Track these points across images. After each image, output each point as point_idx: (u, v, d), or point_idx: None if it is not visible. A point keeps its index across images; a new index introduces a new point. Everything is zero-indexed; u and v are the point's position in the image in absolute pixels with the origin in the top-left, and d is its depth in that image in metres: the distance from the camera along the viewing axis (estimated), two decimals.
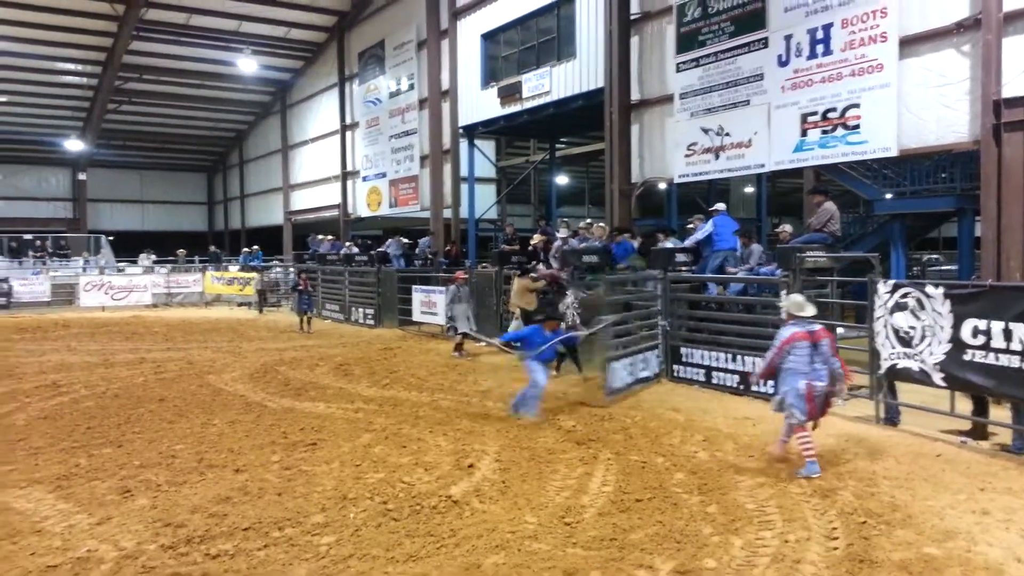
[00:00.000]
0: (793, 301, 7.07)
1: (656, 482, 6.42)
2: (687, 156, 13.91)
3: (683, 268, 11.84)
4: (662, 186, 15.74)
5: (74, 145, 32.58)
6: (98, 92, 29.68)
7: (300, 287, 18.80)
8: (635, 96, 15.22)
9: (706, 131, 13.51)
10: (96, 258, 31.31)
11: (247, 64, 27.98)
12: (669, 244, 12.41)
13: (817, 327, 6.81)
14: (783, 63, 12.24)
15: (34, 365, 13.02)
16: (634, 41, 15.15)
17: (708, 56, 13.44)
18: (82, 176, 35.24)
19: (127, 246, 32.79)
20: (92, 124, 31.63)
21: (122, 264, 30.02)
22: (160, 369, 12.58)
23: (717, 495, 6.11)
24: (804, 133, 11.97)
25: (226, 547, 5.06)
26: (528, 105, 18.02)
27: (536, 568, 4.75)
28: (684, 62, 13.89)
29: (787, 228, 11.85)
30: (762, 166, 12.93)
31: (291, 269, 26.15)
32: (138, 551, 4.99)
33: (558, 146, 22.58)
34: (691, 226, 12.69)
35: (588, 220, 15.77)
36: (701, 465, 6.94)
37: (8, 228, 33.23)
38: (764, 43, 12.52)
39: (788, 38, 12.13)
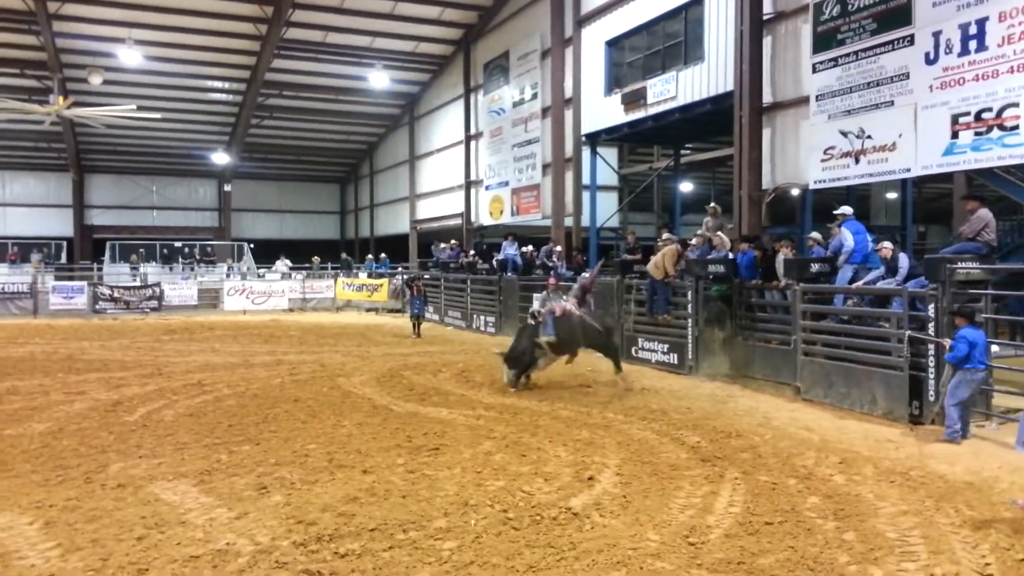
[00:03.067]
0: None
1: (788, 505, 6.09)
2: (824, 161, 13.23)
3: (819, 279, 11.26)
4: (795, 192, 15.06)
5: (220, 158, 34.91)
6: (242, 108, 31.68)
7: (413, 293, 19.40)
8: (767, 99, 14.66)
9: (845, 134, 12.81)
10: (239, 264, 33.41)
11: (378, 78, 29.06)
12: (781, 255, 11.81)
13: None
14: (931, 61, 11.43)
15: (181, 365, 13.97)
16: (766, 42, 14.61)
17: (848, 55, 12.75)
18: (227, 187, 37.68)
19: (266, 253, 34.80)
20: (237, 138, 33.78)
21: (261, 270, 31.87)
22: (295, 371, 13.20)
23: (855, 522, 5.73)
24: (955, 135, 11.12)
25: (353, 547, 5.20)
26: (653, 111, 17.73)
27: None
28: (821, 62, 13.24)
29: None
30: (908, 171, 12.11)
31: (400, 278, 26.90)
32: (272, 546, 5.21)
33: (683, 152, 22.09)
34: (830, 235, 12.00)
35: (708, 218, 15.17)
36: (837, 489, 6.54)
37: (161, 236, 36.03)
38: (910, 40, 11.74)
39: (937, 34, 11.32)
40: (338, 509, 5.94)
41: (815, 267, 11.32)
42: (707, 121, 17.17)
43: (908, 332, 9.15)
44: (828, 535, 5.46)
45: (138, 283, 27.62)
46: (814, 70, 13.42)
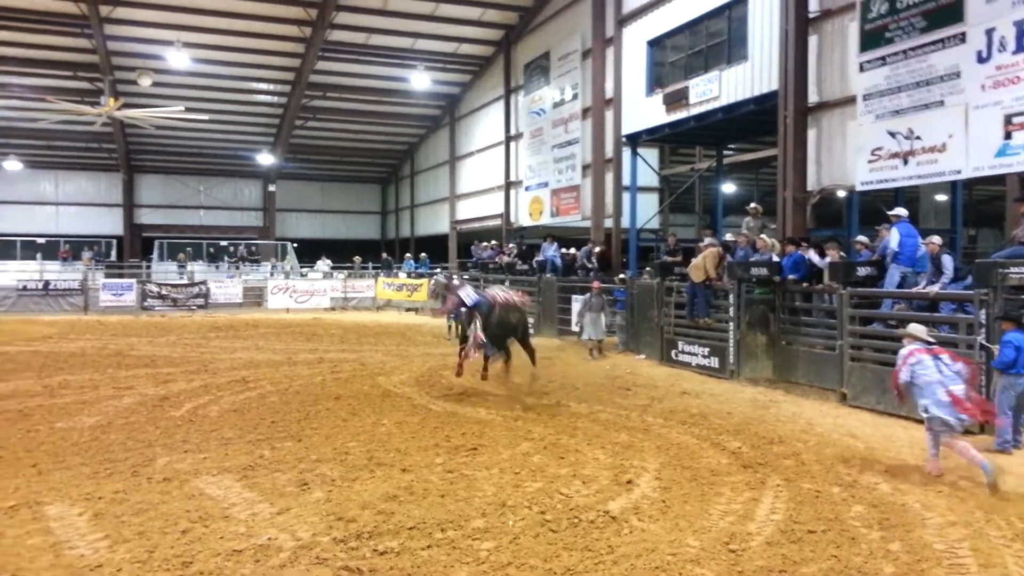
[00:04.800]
0: (912, 331, 7.66)
1: (831, 513, 5.98)
2: (871, 162, 12.95)
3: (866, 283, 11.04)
4: (841, 194, 14.77)
5: (265, 159, 35.48)
6: (287, 110, 32.15)
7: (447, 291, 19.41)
8: (812, 98, 14.41)
9: (893, 135, 12.52)
10: (282, 264, 33.94)
11: (420, 80, 29.26)
12: (814, 258, 11.58)
13: (934, 345, 7.49)
14: (983, 59, 11.11)
15: (226, 361, 14.24)
16: (812, 41, 14.36)
17: (896, 54, 12.47)
18: (272, 188, 38.26)
19: (308, 253, 35.26)
20: (281, 139, 34.30)
21: (304, 269, 32.32)
22: (336, 369, 13.36)
23: (901, 532, 5.61)
24: (1008, 136, 10.78)
25: (392, 544, 5.25)
26: (695, 111, 17.54)
27: None
28: (868, 61, 12.97)
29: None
30: (958, 172, 11.79)
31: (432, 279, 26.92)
32: (313, 542, 5.28)
33: (726, 153, 21.81)
34: (878, 237, 11.74)
35: (748, 219, 14.98)
36: (883, 498, 6.40)
37: (207, 235, 36.73)
38: (961, 38, 11.43)
39: (990, 32, 11.00)
40: (377, 507, 5.99)
41: (862, 270, 11.09)
42: (750, 121, 16.94)
43: (980, 340, 8.86)
44: (873, 545, 5.35)
45: (185, 281, 28.22)
46: (861, 69, 13.15)
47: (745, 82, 16.05)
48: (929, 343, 7.52)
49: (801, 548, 5.28)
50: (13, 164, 34.67)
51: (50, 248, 33.61)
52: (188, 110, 26.48)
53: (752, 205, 15.40)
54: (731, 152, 22.34)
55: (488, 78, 30.11)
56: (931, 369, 7.09)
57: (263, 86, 31.26)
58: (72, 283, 26.44)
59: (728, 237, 14.43)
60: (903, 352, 7.40)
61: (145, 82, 27.51)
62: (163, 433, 8.52)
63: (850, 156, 13.63)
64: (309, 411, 9.70)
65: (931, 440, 7.15)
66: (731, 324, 12.80)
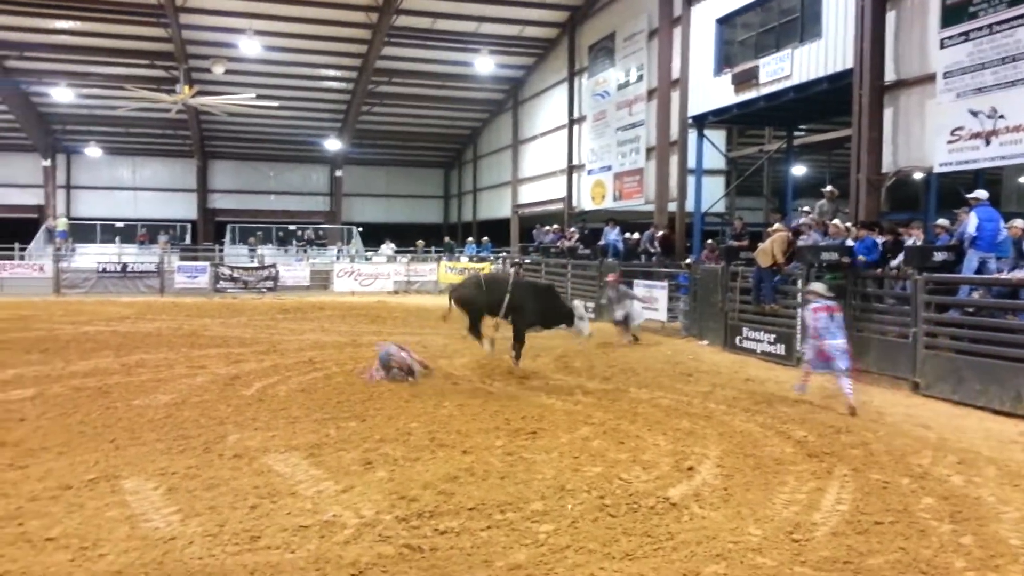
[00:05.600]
0: (817, 290, 9.56)
1: (900, 505, 5.80)
2: (950, 142, 12.40)
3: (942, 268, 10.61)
4: (918, 176, 14.20)
5: (332, 145, 36.11)
6: (354, 96, 32.62)
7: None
8: (889, 77, 13.85)
9: (975, 114, 11.94)
10: (348, 247, 34.58)
11: (484, 63, 29.27)
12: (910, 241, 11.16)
13: (833, 303, 9.37)
14: None
15: (294, 343, 14.61)
16: (890, 17, 13.78)
17: (980, 29, 11.87)
18: (339, 173, 38.95)
19: (372, 237, 35.84)
20: (348, 125, 34.85)
21: (368, 253, 32.86)
22: None
23: (973, 525, 5.40)
24: None
25: (452, 524, 5.31)
26: (765, 91, 17.05)
27: None
28: (950, 37, 12.39)
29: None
30: None
31: (502, 261, 27.04)
32: (376, 520, 5.39)
33: (796, 134, 21.19)
34: (957, 221, 11.25)
35: (823, 202, 14.57)
36: (955, 490, 6.17)
37: (277, 220, 37.68)
38: None
39: None
40: (438, 487, 6.07)
41: (939, 255, 10.66)
42: (823, 101, 16.38)
43: None
44: (943, 538, 5.17)
45: (256, 264, 29.03)
46: (942, 45, 12.57)
47: (818, 60, 15.52)
48: (829, 301, 9.35)
49: (868, 539, 5.14)
50: (94, 150, 36.17)
51: (128, 232, 35.04)
52: (259, 97, 27.09)
53: (828, 188, 14.95)
54: (802, 133, 21.69)
55: (552, 61, 29.92)
56: (824, 322, 9.09)
57: (331, 72, 31.79)
58: (149, 265, 27.50)
59: (802, 220, 13.98)
60: (810, 307, 9.30)
61: (218, 70, 28.25)
62: (234, 411, 8.80)
63: (928, 136, 13.07)
64: (372, 392, 9.87)
65: (803, 373, 9.62)
66: (799, 310, 12.47)
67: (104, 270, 26.70)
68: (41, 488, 5.99)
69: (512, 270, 20.95)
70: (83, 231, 33.83)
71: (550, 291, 12.61)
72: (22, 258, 28.04)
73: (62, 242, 30.63)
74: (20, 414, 8.50)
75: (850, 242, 12.22)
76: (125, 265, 27.24)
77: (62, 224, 32.00)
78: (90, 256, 29.54)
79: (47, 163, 35.00)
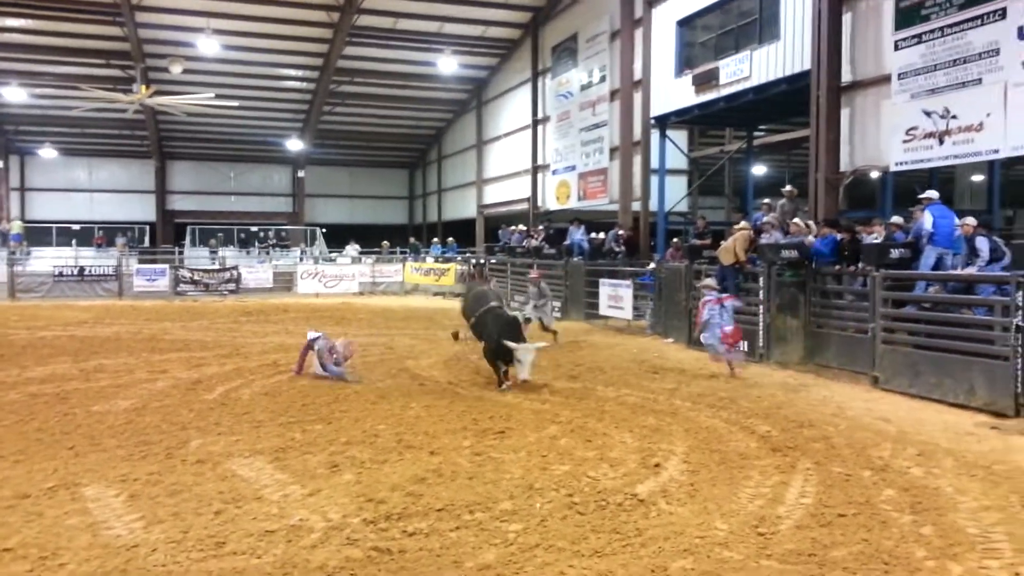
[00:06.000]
0: (707, 283, 11.95)
1: (862, 497, 5.92)
2: (906, 142, 12.71)
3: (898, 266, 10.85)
4: (875, 175, 14.52)
5: (294, 145, 35.74)
6: (315, 95, 32.33)
7: (474, 278, 19.52)
8: (846, 78, 14.14)
9: (928, 114, 12.26)
10: (311, 249, 34.25)
11: (447, 64, 29.23)
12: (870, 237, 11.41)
13: (723, 295, 11.52)
14: None
15: (258, 345, 14.43)
16: (846, 19, 14.07)
17: (932, 31, 12.18)
18: (301, 173, 38.59)
19: (336, 238, 35.56)
20: (310, 125, 34.52)
21: (333, 254, 32.58)
22: (365, 353, 13.43)
23: (933, 515, 5.52)
24: None
25: (421, 526, 5.29)
26: (725, 92, 17.31)
27: None
28: (904, 39, 12.69)
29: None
30: (996, 152, 11.53)
31: (460, 264, 26.98)
32: (343, 523, 5.34)
33: (756, 134, 21.53)
34: (913, 219, 11.50)
35: (783, 201, 14.79)
36: (915, 482, 6.31)
37: (238, 221, 37.17)
38: (1001, 14, 11.13)
39: None
40: (406, 489, 6.04)
41: (895, 252, 10.90)
42: (782, 102, 16.68)
43: (1016, 322, 8.68)
44: (904, 529, 5.29)
45: (217, 266, 28.59)
46: (896, 47, 12.88)
47: (777, 61, 15.80)
48: (720, 293, 11.50)
49: (831, 532, 5.23)
50: (48, 152, 35.34)
51: (85, 234, 34.29)
52: (218, 96, 26.74)
53: (787, 187, 15.19)
54: (762, 133, 22.05)
55: (515, 61, 29.99)
56: (716, 313, 11.03)
57: (292, 72, 31.49)
58: (107, 269, 26.91)
59: (764, 218, 14.18)
60: (703, 299, 11.43)
61: (176, 69, 27.81)
62: (196, 416, 8.66)
63: (884, 136, 13.39)
64: (338, 394, 9.79)
65: (712, 355, 11.38)
66: (761, 307, 12.68)
67: (60, 274, 26.10)
68: None
69: (474, 272, 20.86)
70: (38, 234, 33.01)
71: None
72: None
73: (16, 245, 29.85)
74: None
75: (811, 239, 12.43)
76: (82, 268, 26.63)
77: (16, 227, 31.21)
78: (46, 260, 28.80)
79: (0, 165, 34.06)
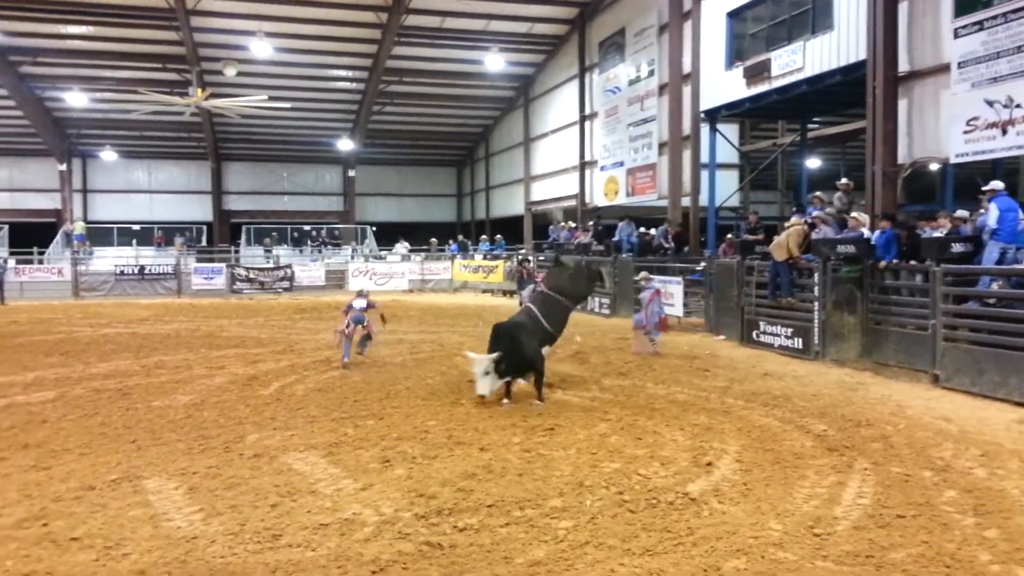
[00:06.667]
0: (645, 276, 14.30)
1: (922, 498, 5.76)
2: (966, 132, 12.28)
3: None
4: (934, 167, 14.08)
5: (345, 145, 36.22)
6: (365, 95, 32.69)
7: (523, 276, 19.49)
8: (903, 67, 13.73)
9: (991, 103, 11.82)
10: (362, 247, 34.69)
11: (494, 61, 29.26)
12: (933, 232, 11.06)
13: (658, 287, 14.17)
14: None
15: (311, 342, 14.68)
16: (902, 7, 13.65)
17: (995, 18, 11.74)
18: (351, 173, 39.05)
19: (386, 236, 35.95)
20: (360, 125, 34.92)
21: (383, 252, 32.95)
22: (415, 350, 13.60)
23: (998, 518, 5.36)
24: None
25: (471, 521, 5.33)
26: (777, 84, 16.95)
27: None
28: (964, 26, 12.27)
29: None
30: None
31: (514, 259, 27.02)
32: (395, 518, 5.41)
33: (810, 126, 21.06)
34: (980, 212, 11.11)
35: (839, 195, 14.45)
36: (978, 483, 6.12)
37: (291, 220, 37.85)
38: None
39: None
40: (457, 484, 6.09)
41: (957, 246, 10.56)
42: (836, 93, 16.26)
43: None
44: (967, 531, 5.14)
45: (271, 265, 29.19)
46: (956, 35, 12.45)
47: (831, 52, 15.41)
48: (657, 286, 14.26)
49: (890, 533, 5.11)
50: (109, 154, 36.47)
51: (144, 234, 35.32)
52: (271, 98, 27.27)
53: (843, 181, 14.83)
54: (816, 126, 21.57)
55: (562, 57, 29.87)
56: (656, 303, 13.27)
57: (342, 73, 31.88)
58: (166, 267, 27.72)
59: (815, 212, 13.87)
60: (646, 291, 13.54)
61: (230, 72, 28.42)
62: (252, 411, 8.86)
63: (944, 127, 12.96)
64: (389, 391, 9.91)
65: (638, 339, 13.19)
66: (816, 304, 12.41)
67: (122, 273, 26.94)
68: (64, 489, 6.06)
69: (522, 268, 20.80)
70: (100, 234, 34.13)
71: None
72: (41, 262, 28.36)
73: (80, 245, 30.90)
74: (42, 416, 8.60)
75: (867, 233, 12.12)
76: (142, 267, 27.47)
77: (79, 228, 32.29)
78: (108, 259, 29.80)
79: (63, 167, 35.29)
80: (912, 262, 11.27)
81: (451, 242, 32.68)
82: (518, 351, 8.97)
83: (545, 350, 9.63)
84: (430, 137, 39.31)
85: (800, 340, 12.76)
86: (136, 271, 27.16)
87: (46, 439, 7.60)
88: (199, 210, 38.35)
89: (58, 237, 32.48)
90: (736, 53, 18.65)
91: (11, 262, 26.82)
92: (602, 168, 26.25)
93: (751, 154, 24.17)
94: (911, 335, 10.99)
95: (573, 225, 25.62)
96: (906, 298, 11.52)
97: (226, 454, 7.06)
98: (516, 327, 9.40)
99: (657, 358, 12.35)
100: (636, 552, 4.85)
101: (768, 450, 7.06)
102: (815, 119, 21.31)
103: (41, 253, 29.37)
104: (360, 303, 12.13)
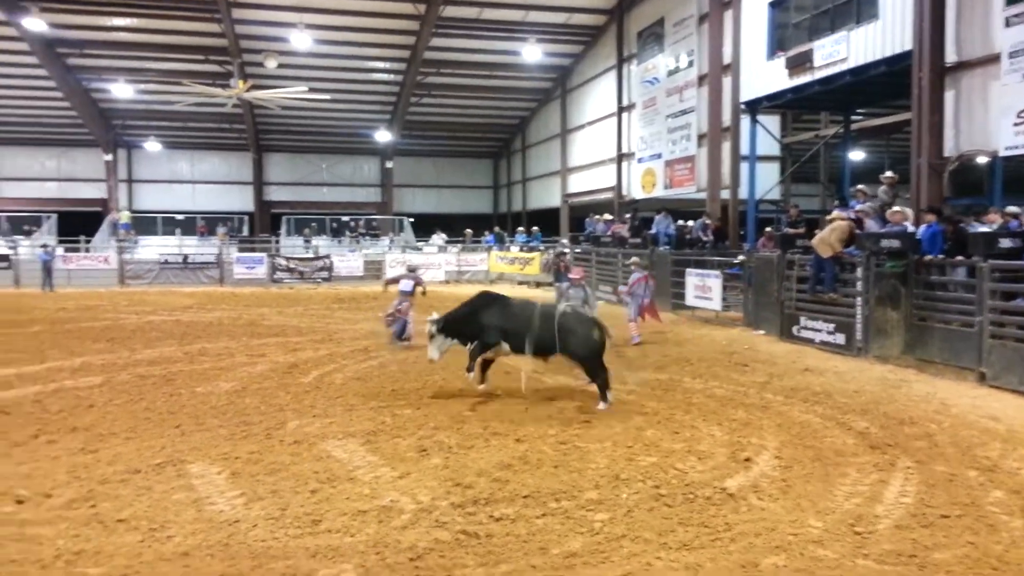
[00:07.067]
0: (636, 261, 15.04)
1: (967, 498, 5.65)
2: (1017, 125, 11.93)
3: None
4: (982, 160, 13.71)
5: (383, 136, 36.45)
6: (403, 87, 32.86)
7: (559, 269, 19.38)
8: (950, 58, 13.38)
9: None
10: (399, 238, 34.93)
11: (531, 52, 29.16)
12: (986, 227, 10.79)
13: (648, 273, 14.44)
14: None
15: (349, 332, 14.86)
16: None
17: None
18: (389, 164, 39.31)
19: (423, 227, 36.12)
20: (398, 117, 35.12)
21: (420, 243, 33.14)
22: None
23: None
24: None
25: (508, 512, 5.36)
26: (820, 75, 16.64)
27: None
28: (1016, 15, 11.90)
29: None
30: None
31: (548, 253, 26.94)
32: (432, 506, 5.46)
33: (854, 118, 20.65)
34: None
35: (883, 188, 14.16)
36: None
37: (330, 211, 38.24)
38: None
39: None
40: (493, 475, 6.12)
41: (1005, 242, 10.29)
42: (881, 84, 15.92)
43: None
44: (1015, 533, 5.02)
45: (311, 255, 29.55)
46: (1007, 24, 12.09)
47: (875, 42, 15.08)
48: (645, 271, 14.40)
49: (933, 533, 5.02)
50: (153, 145, 37.17)
51: (188, 224, 35.97)
52: (311, 90, 27.53)
53: (887, 174, 14.53)
54: (859, 117, 21.13)
55: (600, 48, 29.68)
56: (642, 287, 13.67)
57: (380, 64, 32.09)
58: (208, 257, 28.25)
59: (858, 206, 13.58)
60: (633, 276, 13.99)
61: (271, 64, 28.76)
62: (293, 398, 9.00)
63: (993, 119, 12.61)
64: (426, 380, 9.99)
65: (633, 326, 13.53)
66: (859, 299, 12.19)
67: (166, 261, 27.54)
68: (111, 472, 6.23)
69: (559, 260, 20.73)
70: (145, 223, 34.84)
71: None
72: (87, 250, 29.06)
73: (125, 234, 31.60)
74: (89, 401, 8.84)
75: (910, 227, 11.86)
76: (186, 256, 28.03)
77: (125, 217, 33.01)
78: (152, 248, 30.47)
79: (109, 158, 36.08)
80: (959, 257, 11.01)
81: (487, 233, 32.77)
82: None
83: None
84: (467, 129, 39.36)
85: (842, 336, 12.55)
86: (180, 260, 27.72)
87: (93, 423, 7.81)
88: (240, 200, 38.94)
89: (104, 226, 33.27)
90: (778, 43, 18.34)
91: (59, 250, 27.50)
92: (639, 160, 26.05)
93: (792, 146, 23.78)
94: (956, 332, 10.75)
95: (610, 218, 25.49)
96: (952, 294, 11.27)
97: (267, 440, 7.19)
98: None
99: (636, 347, 12.79)
100: (673, 546, 4.84)
101: (808, 447, 6.97)
102: (859, 111, 20.88)
103: (88, 241, 30.09)
104: (407, 285, 12.76)
